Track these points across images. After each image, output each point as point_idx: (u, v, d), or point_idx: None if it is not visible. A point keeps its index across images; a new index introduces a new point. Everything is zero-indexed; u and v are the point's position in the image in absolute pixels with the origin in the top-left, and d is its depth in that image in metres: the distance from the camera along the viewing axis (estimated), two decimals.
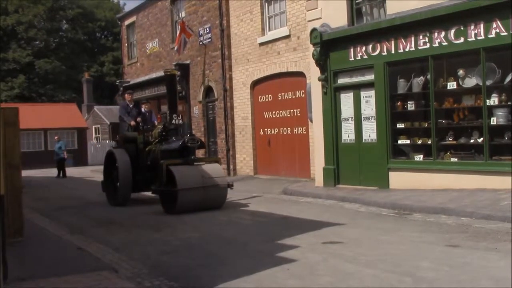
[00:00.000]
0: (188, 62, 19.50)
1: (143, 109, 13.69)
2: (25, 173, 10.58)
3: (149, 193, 11.91)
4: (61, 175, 23.36)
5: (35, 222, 9.53)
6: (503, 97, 9.74)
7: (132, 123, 12.97)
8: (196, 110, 19.36)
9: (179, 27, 18.71)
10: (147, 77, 22.51)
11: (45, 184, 19.30)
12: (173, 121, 11.55)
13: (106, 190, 12.61)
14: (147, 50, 23.02)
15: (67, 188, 17.54)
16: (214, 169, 10.62)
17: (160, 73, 21.11)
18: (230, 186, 10.67)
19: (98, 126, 38.85)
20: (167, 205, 10.27)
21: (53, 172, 24.66)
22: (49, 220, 10.01)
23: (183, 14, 19.91)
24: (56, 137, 25.85)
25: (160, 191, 10.49)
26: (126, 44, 25.84)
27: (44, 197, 14.56)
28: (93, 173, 24.66)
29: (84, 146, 34.16)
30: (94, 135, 38.69)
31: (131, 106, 13.51)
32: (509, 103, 9.72)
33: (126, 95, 14.06)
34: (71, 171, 26.54)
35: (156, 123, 13.35)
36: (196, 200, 10.03)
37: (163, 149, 11.23)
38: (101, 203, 12.57)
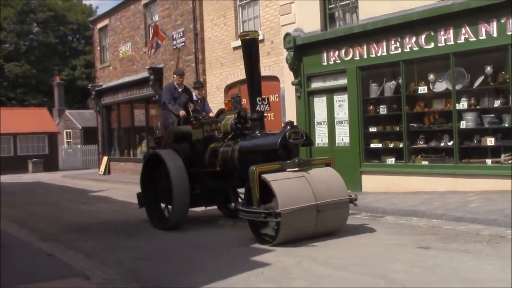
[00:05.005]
0: (161, 66, 19.36)
1: (194, 96, 10.55)
2: None
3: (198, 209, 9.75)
4: None
5: (3, 229, 9.31)
6: (472, 101, 9.96)
7: (182, 112, 9.71)
8: None
9: (152, 30, 18.61)
10: (120, 81, 22.27)
11: (15, 190, 18.89)
12: (258, 108, 7.95)
13: (148, 208, 9.44)
14: (120, 54, 22.80)
15: (37, 194, 17.21)
16: (328, 177, 7.32)
17: (134, 77, 21.06)
18: (353, 201, 7.35)
19: (70, 130, 38.29)
20: (262, 232, 7.12)
21: (24, 177, 24.18)
22: (18, 227, 9.79)
23: (156, 17, 19.79)
24: None
25: (251, 213, 7.03)
26: (98, 48, 25.54)
27: (13, 203, 14.24)
28: (64, 178, 24.30)
29: (55, 151, 33.58)
30: (65, 140, 38.09)
31: (179, 90, 10.20)
32: (478, 107, 9.95)
33: (176, 75, 10.46)
34: (41, 176, 26.10)
35: (211, 114, 10.14)
36: (307, 225, 6.89)
37: (244, 148, 7.92)
38: (72, 208, 12.37)
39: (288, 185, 6.82)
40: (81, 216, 11.05)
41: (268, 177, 6.85)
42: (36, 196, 16.50)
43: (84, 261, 6.64)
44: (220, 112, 9.31)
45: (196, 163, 8.88)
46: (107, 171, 23.49)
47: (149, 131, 21.00)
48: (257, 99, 7.96)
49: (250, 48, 8.13)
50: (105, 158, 23.93)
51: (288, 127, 7.36)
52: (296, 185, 6.88)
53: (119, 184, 19.17)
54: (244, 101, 9.50)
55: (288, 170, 7.12)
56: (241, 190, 8.35)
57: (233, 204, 8.85)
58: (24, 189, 19.58)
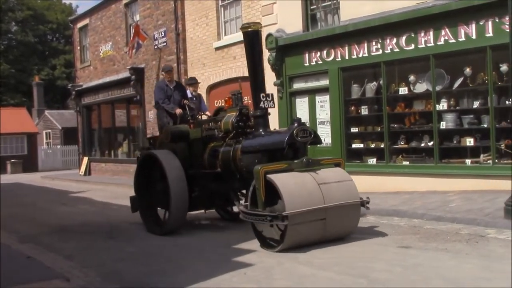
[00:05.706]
0: (142, 66, 19.24)
1: (189, 93, 9.94)
2: None
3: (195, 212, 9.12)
4: None
5: None
6: (451, 102, 10.09)
7: (178, 110, 9.18)
8: (151, 114, 19.11)
9: (134, 30, 18.49)
10: (100, 81, 22.07)
11: None
12: (262, 105, 7.43)
13: (143, 213, 8.89)
14: (101, 54, 22.59)
15: (16, 195, 16.97)
16: (338, 178, 6.85)
17: (114, 77, 20.87)
18: (365, 204, 6.86)
19: (49, 131, 37.81)
20: (266, 235, 6.79)
21: (2, 179, 23.80)
22: None
23: (137, 17, 19.66)
24: None
25: (255, 215, 6.59)
26: (78, 47, 25.27)
27: None
28: (44, 179, 23.99)
29: (34, 151, 33.12)
30: (45, 140, 37.61)
31: (171, 87, 9.62)
32: (457, 108, 10.08)
33: (164, 73, 9.96)
34: (20, 177, 25.73)
35: (208, 112, 9.85)
36: (315, 229, 6.48)
37: (247, 147, 7.41)
38: (52, 209, 12.21)
39: (295, 186, 6.35)
40: (61, 218, 10.92)
41: (274, 177, 6.38)
42: (15, 197, 16.25)
43: (64, 262, 6.58)
44: (219, 110, 8.93)
45: (195, 164, 8.44)
46: (88, 172, 23.26)
47: (130, 131, 20.87)
48: (261, 95, 7.43)
49: (252, 41, 7.54)
50: (85, 159, 23.70)
51: (295, 124, 6.84)
52: (304, 187, 6.40)
53: (99, 185, 18.99)
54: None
55: (295, 170, 6.64)
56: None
57: (234, 207, 8.47)
58: (3, 190, 19.26)
